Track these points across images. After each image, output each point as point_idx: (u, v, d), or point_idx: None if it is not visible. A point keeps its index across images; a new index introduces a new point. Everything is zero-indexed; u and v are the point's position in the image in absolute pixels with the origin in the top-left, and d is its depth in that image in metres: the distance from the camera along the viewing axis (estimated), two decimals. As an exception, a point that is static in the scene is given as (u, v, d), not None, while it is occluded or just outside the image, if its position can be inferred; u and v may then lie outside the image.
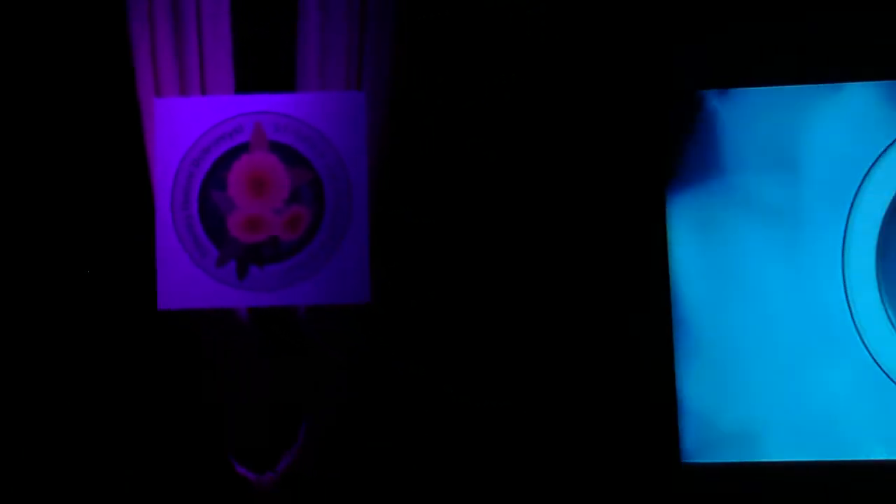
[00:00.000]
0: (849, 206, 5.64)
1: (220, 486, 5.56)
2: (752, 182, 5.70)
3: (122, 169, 5.64)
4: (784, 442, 5.62)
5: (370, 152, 5.56)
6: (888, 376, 5.55)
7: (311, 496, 5.53)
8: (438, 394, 5.65)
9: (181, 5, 5.60)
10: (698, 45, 5.71)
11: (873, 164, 5.62)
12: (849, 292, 5.61)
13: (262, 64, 5.62)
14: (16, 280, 5.70)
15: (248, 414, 5.53)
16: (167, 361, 5.60)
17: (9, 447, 5.62)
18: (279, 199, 5.53)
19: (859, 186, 5.63)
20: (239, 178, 5.55)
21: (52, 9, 5.68)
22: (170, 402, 5.62)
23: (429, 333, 5.70)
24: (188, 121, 5.55)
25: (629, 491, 5.56)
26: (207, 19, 5.59)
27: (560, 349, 5.65)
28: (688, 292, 5.69)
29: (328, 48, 5.59)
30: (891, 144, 5.61)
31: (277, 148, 5.55)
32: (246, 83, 5.61)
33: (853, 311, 5.60)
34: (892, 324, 5.58)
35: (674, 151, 5.74)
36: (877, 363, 5.57)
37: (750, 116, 5.72)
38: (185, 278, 5.51)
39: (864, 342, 5.59)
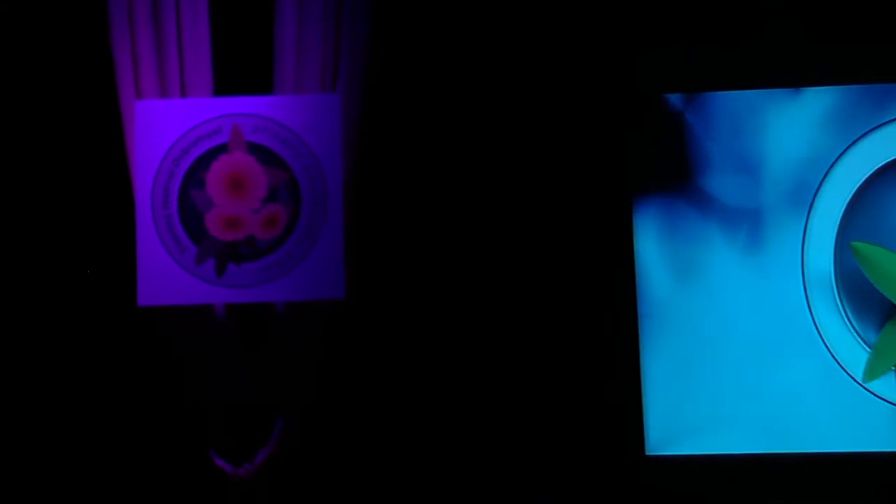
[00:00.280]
0: (808, 207, 5.72)
1: (198, 479, 5.57)
2: (716, 183, 5.77)
3: (103, 169, 5.64)
4: (745, 434, 5.70)
5: (345, 153, 5.56)
6: (845, 371, 5.66)
7: (287, 488, 5.56)
8: (411, 387, 5.70)
9: (161, 11, 5.59)
10: (663, 51, 5.76)
11: (831, 167, 5.71)
12: (808, 290, 5.71)
13: (240, 67, 5.63)
14: (-1, 277, 5.75)
15: (225, 407, 5.54)
16: (147, 356, 5.62)
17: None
18: (256, 199, 5.52)
19: (818, 188, 5.72)
20: (217, 177, 5.53)
21: (35, 14, 5.70)
22: (149, 396, 5.64)
23: (401, 328, 5.74)
24: (168, 122, 5.54)
25: (595, 481, 5.63)
26: (187, 24, 5.58)
27: (529, 345, 5.71)
28: (653, 290, 5.77)
29: (304, 53, 5.59)
30: (848, 147, 5.71)
31: (255, 149, 5.54)
32: (224, 86, 5.61)
33: (812, 308, 5.70)
34: (848, 321, 5.68)
35: (640, 154, 5.81)
36: (834, 359, 5.67)
37: (713, 120, 5.79)
38: (164, 275, 5.48)
39: (822, 338, 5.69)
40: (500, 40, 5.76)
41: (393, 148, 5.76)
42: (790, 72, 5.75)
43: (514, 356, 5.72)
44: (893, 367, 5.64)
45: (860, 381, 5.66)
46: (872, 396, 5.65)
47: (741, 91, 5.79)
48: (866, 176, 5.71)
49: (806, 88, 5.76)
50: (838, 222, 5.72)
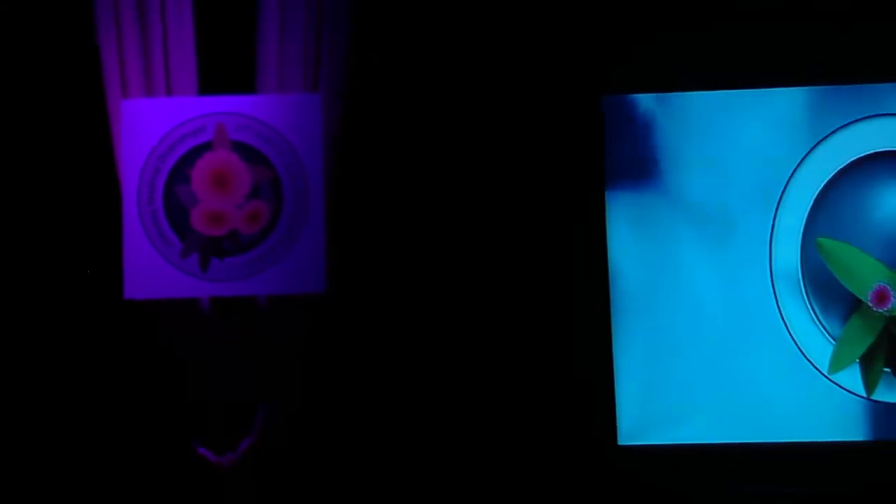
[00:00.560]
0: (775, 204, 5.80)
1: (183, 469, 5.62)
2: (686, 181, 5.85)
3: (91, 166, 5.67)
4: (715, 424, 5.78)
5: (326, 151, 5.58)
6: (811, 363, 5.75)
7: (270, 478, 5.61)
8: (389, 378, 5.77)
9: (147, 13, 5.61)
10: (635, 52, 5.84)
11: (798, 165, 5.79)
12: (775, 284, 5.79)
13: (224, 67, 5.65)
14: (-13, 271, 5.78)
15: (209, 398, 5.57)
16: (133, 348, 5.68)
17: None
18: (240, 195, 5.52)
19: (785, 186, 5.80)
20: (202, 174, 5.53)
21: (25, 15, 5.76)
22: (134, 387, 5.70)
23: (380, 321, 5.81)
24: (154, 120, 5.54)
25: (568, 471, 5.71)
26: (172, 26, 5.60)
27: (505, 336, 5.78)
28: (624, 284, 5.84)
29: (286, 53, 5.62)
30: (814, 147, 5.79)
31: (238, 147, 5.55)
32: (209, 86, 5.62)
33: (779, 302, 5.79)
34: (814, 314, 5.77)
35: (612, 152, 5.87)
36: (801, 351, 5.76)
37: (683, 119, 5.87)
38: (150, 269, 5.49)
39: (789, 331, 5.77)
40: (478, 39, 5.83)
41: (373, 147, 5.82)
42: (759, 73, 5.81)
43: (490, 347, 5.78)
44: (858, 360, 5.72)
45: (826, 373, 5.74)
46: (837, 387, 5.74)
47: (711, 91, 5.86)
48: (832, 174, 5.78)
49: (773, 89, 5.83)
50: (805, 219, 5.79)
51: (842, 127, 5.79)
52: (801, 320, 5.78)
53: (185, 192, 5.55)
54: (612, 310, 5.83)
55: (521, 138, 5.84)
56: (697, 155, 5.87)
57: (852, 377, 5.74)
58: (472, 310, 5.80)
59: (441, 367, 5.79)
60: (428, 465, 5.75)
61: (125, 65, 5.61)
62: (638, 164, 5.88)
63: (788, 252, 5.81)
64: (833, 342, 5.75)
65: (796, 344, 5.77)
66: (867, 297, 5.67)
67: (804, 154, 5.80)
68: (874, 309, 5.67)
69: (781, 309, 5.79)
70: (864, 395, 5.73)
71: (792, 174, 5.81)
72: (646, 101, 5.89)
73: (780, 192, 5.81)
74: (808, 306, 5.79)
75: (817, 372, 5.76)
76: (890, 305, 5.66)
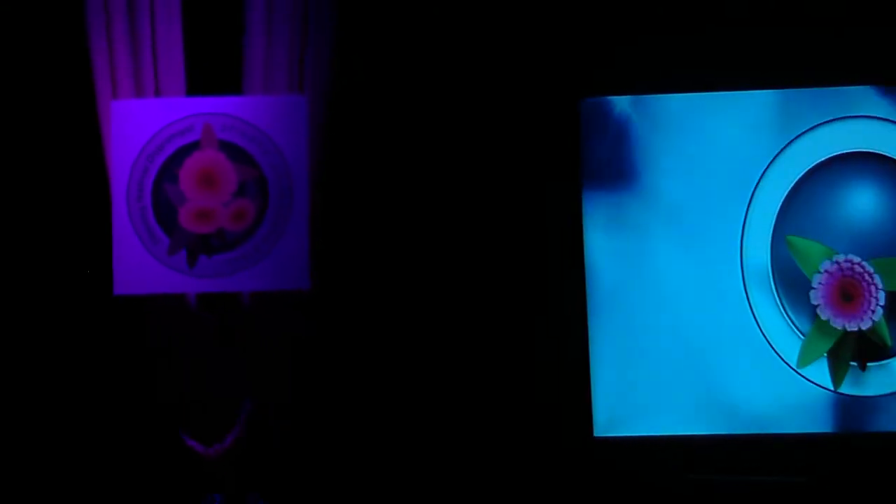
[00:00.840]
0: (747, 203, 5.87)
1: (171, 461, 5.70)
2: (660, 181, 5.91)
3: (81, 165, 5.73)
4: (688, 417, 5.85)
5: (311, 151, 5.63)
6: (781, 357, 5.83)
7: (256, 470, 5.68)
8: (370, 371, 5.84)
9: (137, 16, 5.67)
10: (612, 56, 5.91)
11: (769, 166, 5.87)
12: (746, 281, 5.87)
13: (212, 69, 5.71)
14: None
15: (196, 391, 5.64)
16: (122, 342, 5.74)
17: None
18: (227, 193, 5.57)
19: (756, 185, 5.87)
20: (189, 173, 5.58)
21: (16, 17, 5.81)
22: (124, 379, 5.75)
23: (363, 316, 5.88)
24: (143, 120, 5.59)
25: (545, 462, 5.79)
26: (161, 28, 5.67)
27: (484, 331, 5.85)
28: (601, 281, 5.90)
29: (272, 55, 5.69)
30: (784, 148, 5.86)
31: (225, 146, 5.60)
32: (196, 87, 5.69)
33: (750, 298, 5.85)
34: (783, 310, 5.84)
35: (589, 153, 5.94)
36: (770, 346, 5.84)
37: (658, 121, 5.94)
38: (138, 266, 5.54)
39: (759, 326, 5.84)
40: (458, 42, 5.90)
41: (357, 147, 5.88)
42: (732, 76, 5.87)
43: (470, 342, 5.85)
44: (825, 354, 5.80)
45: (794, 367, 5.82)
46: (806, 381, 5.81)
47: (686, 94, 5.92)
48: (801, 174, 5.85)
49: (747, 92, 5.89)
50: (775, 217, 5.85)
51: (811, 128, 5.86)
52: (771, 316, 5.85)
53: (174, 191, 5.60)
54: (588, 305, 5.88)
55: (501, 139, 5.91)
56: (671, 155, 5.94)
57: (820, 371, 5.83)
58: (453, 305, 5.87)
59: (422, 362, 5.86)
60: (409, 457, 5.82)
61: (115, 66, 5.67)
62: (614, 164, 5.94)
63: (759, 250, 5.88)
64: (802, 337, 5.83)
65: (766, 339, 5.84)
66: (816, 282, 5.75)
67: (775, 155, 5.88)
68: (837, 326, 5.76)
69: (752, 305, 5.86)
70: (832, 388, 5.81)
71: (763, 174, 5.88)
72: (622, 103, 5.95)
73: (751, 192, 5.88)
74: (778, 302, 5.85)
75: (786, 366, 5.83)
76: (869, 311, 5.75)
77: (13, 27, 5.82)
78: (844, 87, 5.86)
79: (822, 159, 5.87)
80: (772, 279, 5.87)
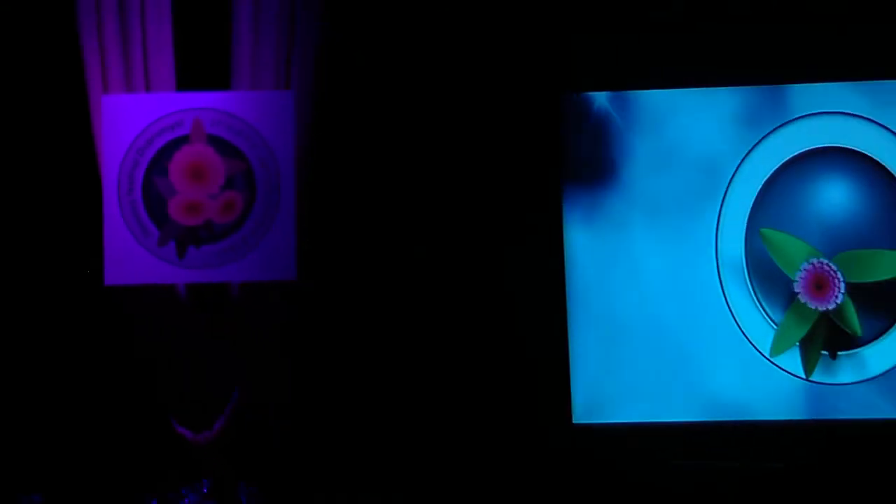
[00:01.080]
0: (721, 197, 5.96)
1: (161, 447, 5.75)
2: (638, 175, 6.00)
3: (73, 158, 5.78)
4: (664, 405, 5.94)
5: (297, 145, 5.71)
6: (754, 346, 5.93)
7: (243, 455, 5.74)
8: (354, 358, 5.90)
9: (127, 12, 5.73)
10: (593, 52, 6.00)
11: (743, 160, 5.96)
12: (721, 273, 5.97)
13: (201, 65, 5.78)
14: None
15: (186, 378, 5.71)
16: (113, 330, 5.78)
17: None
18: (215, 186, 5.65)
19: (731, 180, 5.96)
20: (179, 166, 5.66)
21: (9, 14, 5.85)
22: (115, 366, 5.80)
23: (348, 307, 5.94)
24: (133, 115, 5.66)
25: (525, 448, 5.86)
26: (151, 25, 5.73)
27: (466, 321, 5.92)
28: (580, 272, 5.99)
29: (260, 52, 5.76)
30: (758, 143, 5.96)
31: (214, 140, 5.67)
32: (186, 82, 5.75)
33: (725, 289, 5.96)
34: (757, 300, 5.94)
35: (569, 147, 6.02)
36: (744, 335, 5.94)
37: (637, 117, 6.02)
38: (129, 257, 5.61)
39: (733, 316, 5.94)
40: (441, 40, 5.96)
41: (342, 141, 5.93)
42: (708, 73, 5.96)
43: (452, 331, 5.91)
44: (797, 343, 5.90)
45: (767, 356, 5.92)
46: (778, 369, 5.91)
47: (663, 90, 6.00)
48: (774, 169, 5.94)
49: (722, 88, 5.98)
50: (749, 211, 5.95)
51: (784, 124, 5.96)
52: (745, 306, 5.95)
53: (163, 184, 5.68)
54: (568, 296, 5.96)
55: (483, 135, 5.98)
56: (649, 150, 6.02)
57: (792, 360, 5.93)
58: (436, 296, 5.94)
59: (405, 351, 5.92)
60: (393, 444, 5.87)
61: (106, 62, 5.74)
62: (593, 158, 6.02)
63: (733, 242, 5.97)
64: (774, 327, 5.94)
65: (740, 328, 5.94)
66: (797, 277, 5.86)
67: (749, 149, 5.97)
68: (811, 306, 5.86)
69: (727, 295, 5.96)
70: (804, 376, 5.92)
71: (737, 168, 5.97)
72: (601, 99, 6.03)
73: (726, 186, 5.97)
74: (752, 293, 5.95)
75: (760, 355, 5.93)
76: (833, 295, 5.86)
77: (6, 25, 5.85)
78: (817, 84, 5.96)
79: (795, 154, 5.97)
80: (746, 271, 5.96)
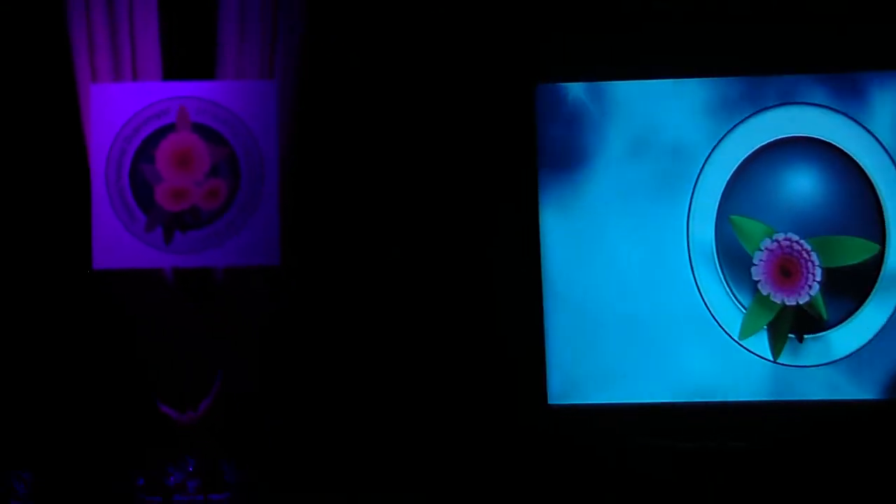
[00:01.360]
0: (693, 184, 6.05)
1: (147, 425, 5.83)
2: (612, 163, 6.09)
3: (62, 146, 5.85)
4: (637, 386, 6.03)
5: (280, 133, 5.81)
6: (724, 329, 6.02)
7: (227, 435, 5.84)
8: (334, 341, 5.96)
9: (115, 3, 5.80)
10: (568, 43, 6.06)
11: (713, 149, 6.05)
12: (692, 258, 6.06)
13: (187, 54, 5.85)
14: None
15: (171, 359, 5.81)
16: (101, 313, 5.86)
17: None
18: (200, 173, 5.74)
19: (702, 168, 6.05)
20: (165, 154, 5.76)
21: (1, 7, 5.90)
22: (103, 348, 5.87)
23: (329, 291, 6.01)
24: (121, 104, 5.76)
25: (502, 429, 5.94)
26: (139, 15, 5.80)
27: (444, 304, 6.00)
28: (555, 257, 6.08)
29: (244, 42, 5.84)
30: (728, 132, 6.05)
31: (199, 128, 5.77)
32: (172, 72, 5.84)
33: (696, 273, 6.05)
34: (727, 285, 6.03)
35: (545, 135, 6.09)
36: (714, 318, 6.02)
37: (610, 107, 6.10)
38: (117, 242, 5.72)
39: (704, 300, 6.03)
40: (419, 31, 6.02)
41: (324, 130, 6.00)
42: (680, 64, 6.04)
43: (430, 315, 5.99)
44: (765, 326, 6.00)
45: (736, 339, 6.01)
46: (747, 352, 6.01)
47: (636, 81, 6.08)
48: (744, 157, 6.03)
49: (694, 79, 6.07)
50: (719, 198, 6.03)
51: (753, 114, 6.05)
52: (715, 290, 6.04)
53: (150, 171, 5.78)
54: (544, 280, 6.04)
55: (461, 123, 6.05)
56: (622, 139, 6.11)
57: (761, 343, 6.03)
58: (414, 280, 6.02)
59: (385, 334, 5.99)
60: (371, 425, 5.95)
61: (94, 51, 5.82)
62: (568, 147, 6.11)
63: (704, 228, 6.07)
64: (743, 310, 6.03)
65: (710, 312, 6.04)
66: (757, 259, 5.95)
67: (719, 139, 6.06)
68: (776, 300, 5.96)
69: (697, 280, 6.05)
70: (771, 358, 6.02)
71: (708, 157, 6.07)
72: (576, 89, 6.12)
73: (697, 174, 6.07)
74: (722, 278, 6.04)
75: (729, 338, 6.03)
76: (807, 286, 5.96)
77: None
78: (785, 76, 6.06)
79: (764, 143, 6.06)
80: (716, 256, 6.05)
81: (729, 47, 6.05)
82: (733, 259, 6.06)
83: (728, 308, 6.06)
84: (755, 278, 6.04)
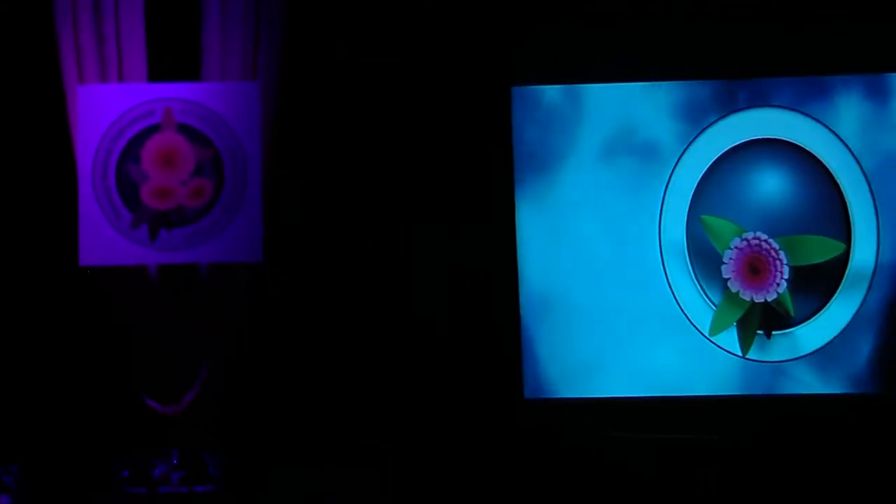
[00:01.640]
0: (665, 185, 6.15)
1: (132, 417, 5.88)
2: (586, 164, 6.18)
3: (49, 146, 5.90)
4: (611, 381, 6.13)
5: (263, 133, 5.87)
6: (695, 326, 6.13)
7: (211, 427, 5.89)
8: (314, 335, 6.02)
9: (101, 5, 5.86)
10: (543, 46, 6.15)
11: (685, 150, 6.16)
12: (664, 256, 6.16)
13: (172, 57, 5.92)
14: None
15: (156, 354, 5.86)
16: (87, 308, 5.92)
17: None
18: (185, 172, 5.80)
19: (673, 168, 6.15)
20: (151, 153, 5.81)
21: None
22: (90, 342, 5.93)
23: (311, 288, 6.06)
24: (107, 105, 5.81)
25: (479, 422, 6.02)
26: (125, 18, 5.86)
27: (424, 300, 6.07)
28: (531, 255, 6.16)
29: (228, 44, 5.90)
30: (699, 134, 6.16)
31: (184, 129, 5.83)
32: (157, 73, 5.90)
33: (667, 272, 6.16)
34: (697, 283, 6.14)
35: (520, 136, 6.17)
36: (685, 315, 6.13)
37: (585, 107, 6.19)
38: (103, 239, 5.78)
39: (675, 297, 6.14)
40: (399, 33, 6.08)
41: (306, 130, 6.06)
42: (653, 67, 6.14)
43: (409, 311, 6.06)
44: (735, 323, 6.11)
45: (707, 335, 6.12)
46: (717, 348, 6.12)
47: (610, 84, 6.18)
48: (714, 159, 6.14)
49: (665, 82, 6.16)
50: (690, 198, 6.14)
51: (723, 116, 6.17)
52: (686, 288, 6.16)
53: (136, 170, 5.84)
54: (520, 277, 6.13)
55: (440, 123, 6.12)
56: (596, 140, 6.20)
57: (730, 339, 6.14)
58: (394, 275, 6.09)
59: (365, 329, 6.06)
60: (352, 418, 6.00)
61: (81, 53, 5.88)
62: (544, 146, 6.19)
63: (676, 228, 6.17)
64: (713, 308, 6.15)
65: (681, 309, 6.15)
66: (727, 257, 6.06)
67: (690, 140, 6.17)
68: (745, 298, 6.06)
69: (669, 278, 6.16)
70: (741, 354, 6.14)
71: (679, 158, 6.17)
72: (551, 91, 6.20)
73: (668, 174, 6.17)
74: (693, 276, 6.15)
75: (700, 334, 6.15)
76: (775, 283, 6.06)
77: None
78: (754, 80, 6.17)
79: (734, 145, 6.18)
80: (687, 255, 6.16)
81: (700, 50, 6.15)
82: (704, 257, 6.17)
83: (699, 305, 6.16)
84: (725, 276, 6.16)
